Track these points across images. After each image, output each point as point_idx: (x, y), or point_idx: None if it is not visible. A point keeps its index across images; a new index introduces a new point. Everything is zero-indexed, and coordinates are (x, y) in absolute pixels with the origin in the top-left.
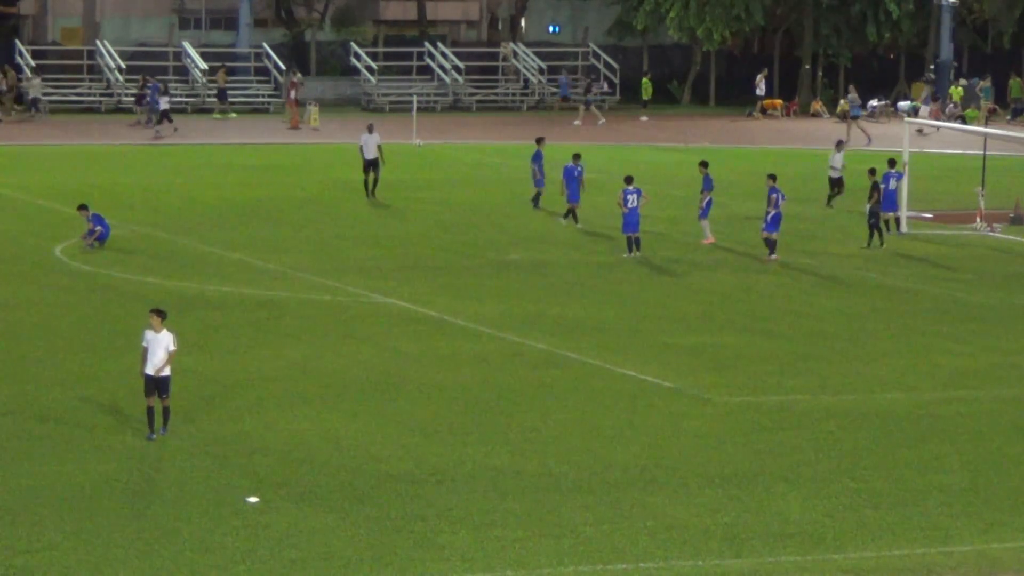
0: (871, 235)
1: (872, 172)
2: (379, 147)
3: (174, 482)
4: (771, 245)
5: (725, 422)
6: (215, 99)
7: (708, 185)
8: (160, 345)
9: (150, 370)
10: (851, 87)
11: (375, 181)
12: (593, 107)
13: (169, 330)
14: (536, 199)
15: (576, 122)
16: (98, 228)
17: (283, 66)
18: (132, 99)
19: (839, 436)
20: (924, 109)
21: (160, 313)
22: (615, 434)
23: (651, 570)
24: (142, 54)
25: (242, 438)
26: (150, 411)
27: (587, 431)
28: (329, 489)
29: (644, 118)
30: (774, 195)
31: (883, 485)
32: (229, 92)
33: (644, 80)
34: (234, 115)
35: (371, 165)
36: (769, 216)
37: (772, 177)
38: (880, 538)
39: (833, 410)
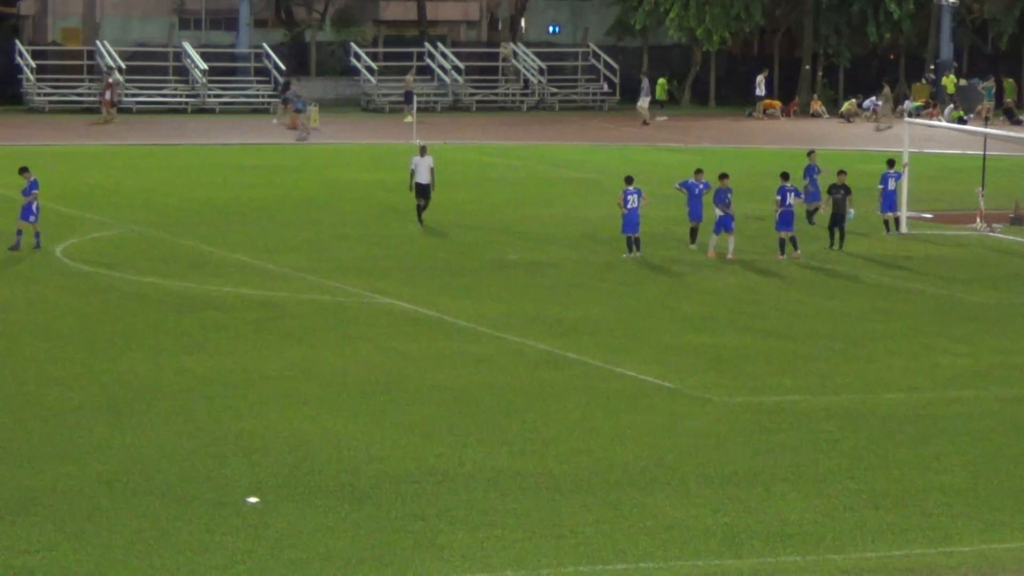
0: (834, 237)
1: (842, 174)
2: (431, 171)
3: (174, 482)
4: (780, 244)
5: (725, 422)
6: (401, 101)
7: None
8: None
9: None
10: (644, 79)
11: (425, 207)
12: (290, 106)
13: None
14: (810, 215)
15: (274, 120)
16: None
17: (283, 66)
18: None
19: (839, 436)
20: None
21: None
22: (615, 434)
23: (651, 570)
24: (142, 54)
25: (242, 438)
26: None
27: (587, 431)
28: (329, 489)
29: (664, 118)
30: (779, 196)
31: (883, 485)
32: (229, 92)
33: (660, 80)
34: (409, 119)
35: (423, 191)
36: (778, 215)
37: (783, 176)
38: (880, 538)
39: (833, 410)
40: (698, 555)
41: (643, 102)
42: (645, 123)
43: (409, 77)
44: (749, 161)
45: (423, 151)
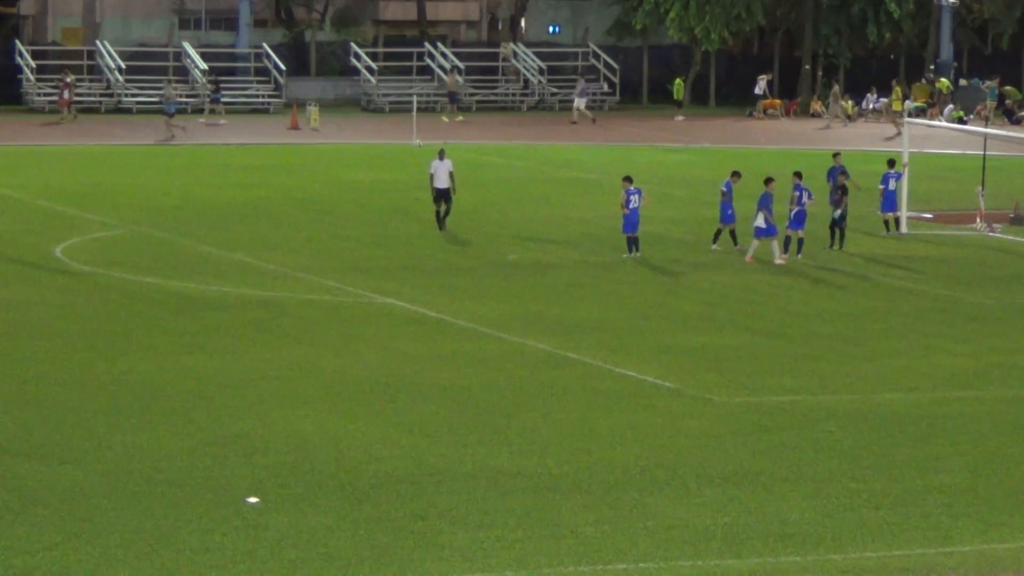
0: (835, 237)
1: (845, 175)
2: (451, 175)
3: (174, 482)
4: (785, 243)
5: (725, 422)
6: (446, 100)
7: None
8: None
9: None
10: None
11: (446, 212)
12: (219, 105)
13: None
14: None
15: (200, 119)
16: None
17: (283, 66)
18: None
19: (839, 436)
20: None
21: None
22: (615, 434)
23: (651, 570)
24: (142, 54)
25: (242, 438)
26: None
27: (587, 431)
28: (329, 489)
29: (680, 118)
30: (797, 192)
31: (883, 485)
32: (229, 92)
33: (677, 81)
34: (460, 117)
35: (442, 195)
36: (792, 213)
37: (797, 175)
38: (880, 538)
39: (833, 410)
40: (698, 555)
41: (579, 103)
42: (573, 122)
43: (449, 78)
44: (749, 161)
45: (442, 155)
